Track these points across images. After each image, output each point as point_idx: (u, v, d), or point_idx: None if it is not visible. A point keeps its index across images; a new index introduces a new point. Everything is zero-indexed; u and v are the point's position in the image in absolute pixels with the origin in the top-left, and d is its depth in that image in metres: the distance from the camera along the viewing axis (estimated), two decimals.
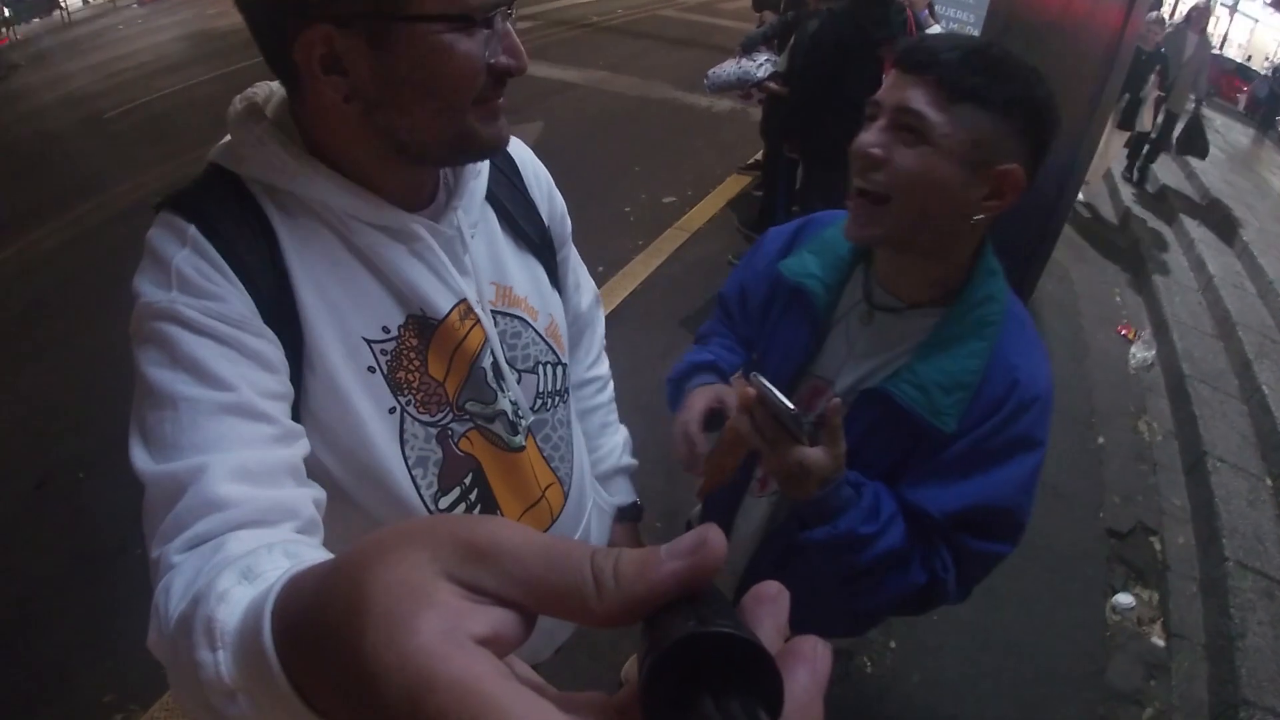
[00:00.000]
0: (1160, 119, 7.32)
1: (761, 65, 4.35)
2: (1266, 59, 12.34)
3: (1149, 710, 2.55)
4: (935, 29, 3.94)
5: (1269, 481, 3.54)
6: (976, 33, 3.42)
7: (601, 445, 1.34)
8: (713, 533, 0.28)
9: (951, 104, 1.02)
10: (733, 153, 6.40)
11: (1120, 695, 2.58)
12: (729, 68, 4.43)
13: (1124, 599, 2.92)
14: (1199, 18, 7.47)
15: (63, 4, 14.27)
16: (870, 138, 1.08)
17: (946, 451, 1.13)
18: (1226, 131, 11.13)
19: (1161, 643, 2.80)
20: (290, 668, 0.34)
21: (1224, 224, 6.60)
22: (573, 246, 1.21)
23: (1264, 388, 4.10)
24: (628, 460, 1.39)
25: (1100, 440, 3.81)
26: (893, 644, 2.63)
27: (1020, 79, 1.03)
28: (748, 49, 4.47)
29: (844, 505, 1.10)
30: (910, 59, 1.06)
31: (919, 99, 1.03)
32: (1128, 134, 6.93)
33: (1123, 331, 4.84)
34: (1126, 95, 6.35)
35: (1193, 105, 7.57)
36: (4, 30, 12.91)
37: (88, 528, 2.94)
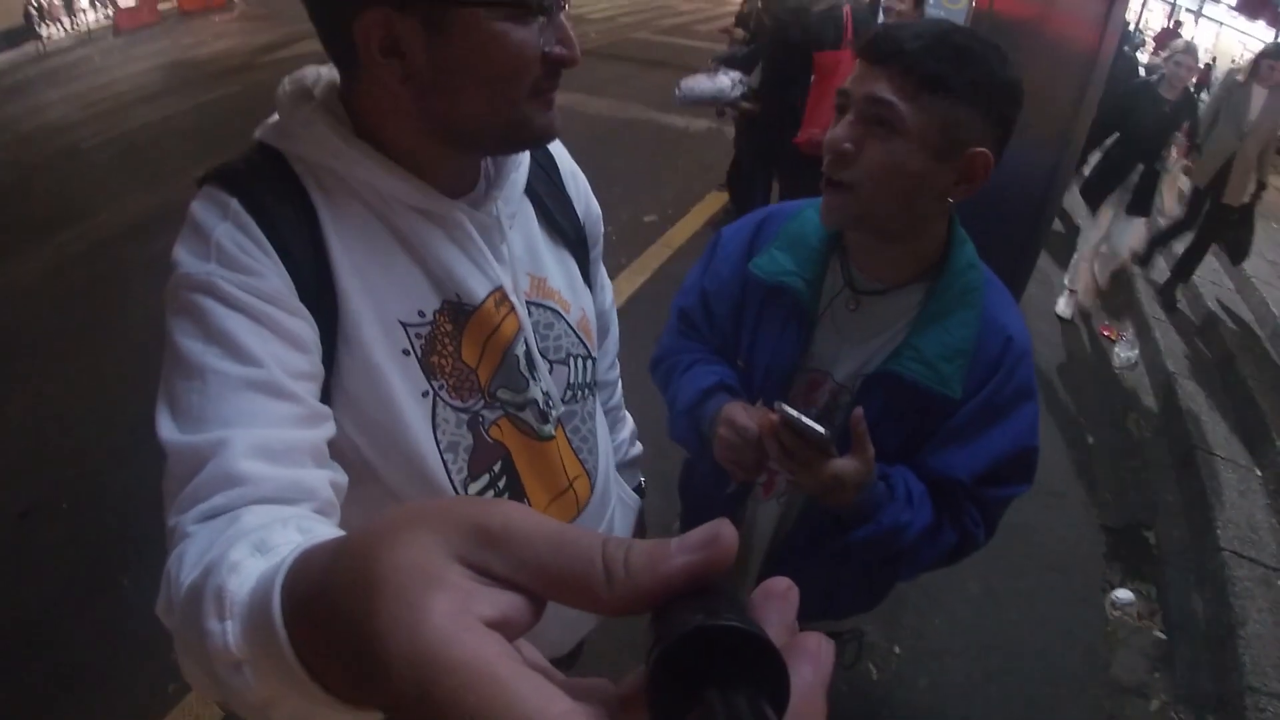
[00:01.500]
0: (1188, 199, 5.27)
1: (735, 86, 4.40)
2: (1232, 60, 12.60)
3: (1155, 703, 2.56)
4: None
5: (1259, 472, 3.58)
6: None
7: (618, 436, 1.37)
8: (724, 528, 0.29)
9: (919, 92, 1.03)
10: (711, 171, 6.41)
11: (1126, 689, 2.59)
12: (703, 82, 4.45)
13: (1123, 594, 2.94)
14: (1273, 68, 4.75)
15: (40, 34, 14.20)
16: (841, 132, 1.09)
17: (957, 416, 1.17)
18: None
19: (1163, 635, 2.81)
20: (298, 642, 0.35)
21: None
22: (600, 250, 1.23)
23: (1248, 380, 4.16)
24: (639, 449, 1.43)
25: (1090, 440, 3.84)
26: (897, 649, 2.61)
27: (984, 61, 1.04)
28: (721, 65, 4.51)
29: (880, 501, 1.15)
30: (875, 49, 1.06)
31: (886, 89, 1.04)
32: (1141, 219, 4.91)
33: (1105, 333, 4.89)
34: (1140, 167, 4.60)
35: (1251, 193, 4.92)
36: None
37: (73, 557, 2.88)
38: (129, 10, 15.35)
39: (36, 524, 3.12)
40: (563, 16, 0.80)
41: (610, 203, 5.32)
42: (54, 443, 3.56)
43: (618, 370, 1.39)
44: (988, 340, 1.16)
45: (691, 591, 0.28)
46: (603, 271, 1.28)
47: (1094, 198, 4.86)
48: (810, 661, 0.28)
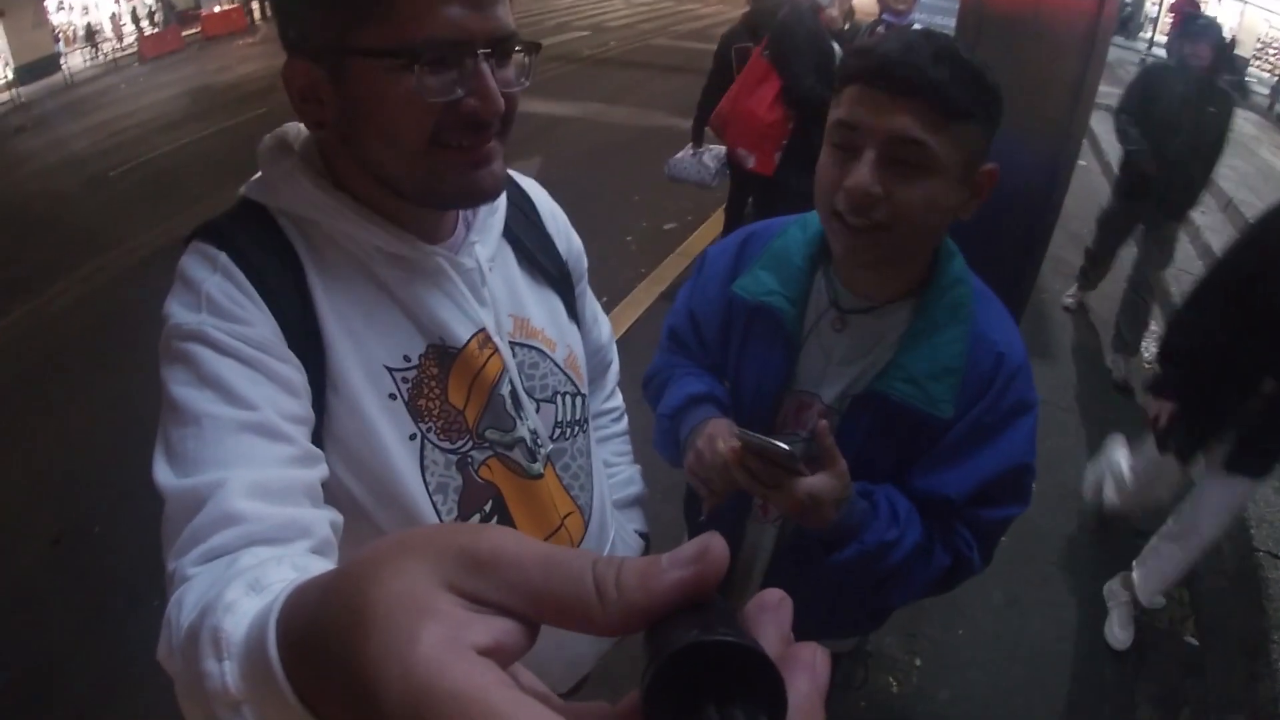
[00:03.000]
0: None
1: (718, 175, 4.52)
2: (1258, 40, 12.27)
3: (1186, 710, 2.50)
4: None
5: None
6: (951, 22, 3.37)
7: (617, 474, 1.35)
8: (715, 541, 0.28)
9: (948, 124, 0.98)
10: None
11: (1155, 698, 2.53)
12: (687, 164, 4.58)
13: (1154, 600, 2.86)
14: None
15: (65, 65, 14.53)
16: (865, 177, 1.01)
17: (948, 435, 1.13)
18: None
19: (1195, 641, 2.74)
20: (295, 678, 0.34)
21: (1229, 208, 6.55)
22: (587, 284, 1.23)
23: None
24: (641, 489, 1.39)
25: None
26: (918, 662, 2.58)
27: (990, 80, 1.00)
28: (698, 139, 4.58)
29: (863, 519, 1.11)
30: (893, 79, 0.98)
31: (915, 126, 0.98)
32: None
33: None
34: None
35: None
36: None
37: (104, 582, 2.96)
38: (153, 37, 15.70)
39: (68, 549, 3.21)
40: (483, 66, 0.77)
41: (631, 210, 5.41)
42: (83, 469, 3.64)
43: (619, 399, 1.39)
44: (978, 357, 1.12)
45: (685, 607, 0.28)
46: (595, 306, 1.28)
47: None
48: (806, 672, 0.28)
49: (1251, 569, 2.87)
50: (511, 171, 1.09)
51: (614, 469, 1.34)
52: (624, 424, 1.39)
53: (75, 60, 14.94)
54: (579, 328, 1.15)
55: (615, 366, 1.37)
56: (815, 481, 1.04)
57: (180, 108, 10.60)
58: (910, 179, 1.00)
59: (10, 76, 13.69)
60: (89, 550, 3.18)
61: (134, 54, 15.47)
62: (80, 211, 7.14)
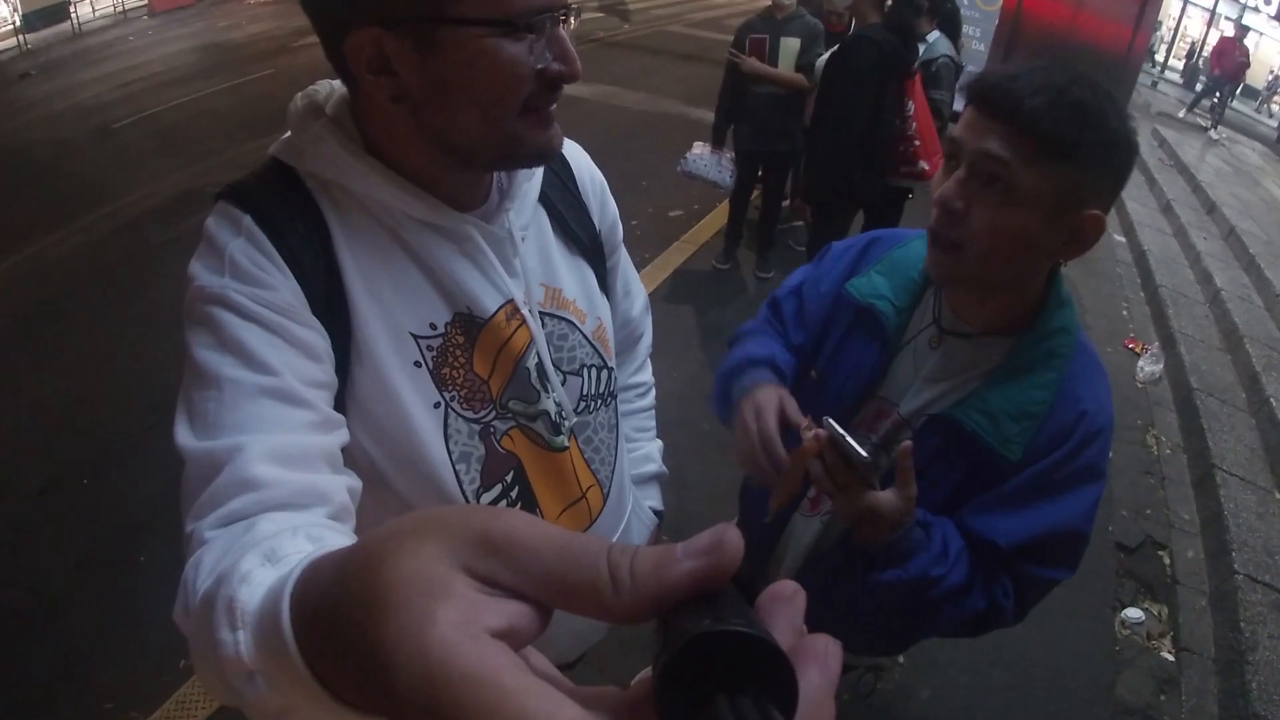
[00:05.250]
0: None
1: (731, 177, 4.55)
2: (1270, 72, 12.32)
3: None
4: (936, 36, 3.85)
5: (1278, 494, 3.52)
6: (984, 47, 3.37)
7: (637, 449, 1.34)
8: (730, 532, 0.28)
9: (1037, 155, 0.98)
10: None
11: (1130, 710, 2.56)
12: (705, 163, 4.56)
13: (1133, 613, 2.90)
14: None
15: (74, 14, 14.36)
16: (951, 190, 1.04)
17: (1012, 480, 1.12)
18: (1231, 144, 11.15)
19: (1171, 657, 2.77)
20: (307, 651, 0.35)
21: (1231, 237, 6.59)
22: (624, 252, 1.22)
23: (1272, 400, 4.08)
24: (659, 468, 1.38)
25: (1109, 454, 3.78)
26: (901, 659, 2.59)
27: (1102, 119, 0.98)
28: (719, 140, 4.56)
29: (915, 548, 1.09)
30: (991, 101, 1.00)
31: (1001, 147, 0.99)
32: None
33: (1130, 345, 4.82)
34: None
35: None
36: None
37: (91, 534, 2.95)
38: None
39: (57, 500, 3.19)
40: (562, 31, 0.79)
41: (638, 195, 5.39)
42: (75, 420, 3.62)
43: (648, 374, 1.38)
44: (1061, 410, 1.10)
45: (698, 596, 0.28)
46: (630, 276, 1.27)
47: None
48: (818, 664, 0.28)
49: (1230, 590, 2.91)
50: None
51: (634, 444, 1.34)
52: (650, 399, 1.38)
53: (84, 10, 14.75)
54: (609, 299, 1.15)
55: (647, 340, 1.35)
56: (883, 498, 1.04)
57: (189, 62, 10.49)
58: (992, 201, 1.01)
59: (19, 22, 13.51)
60: (77, 502, 3.15)
61: (144, 6, 15.30)
62: (83, 161, 7.07)
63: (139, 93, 9.14)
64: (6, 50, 12.83)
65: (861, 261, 1.31)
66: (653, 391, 1.39)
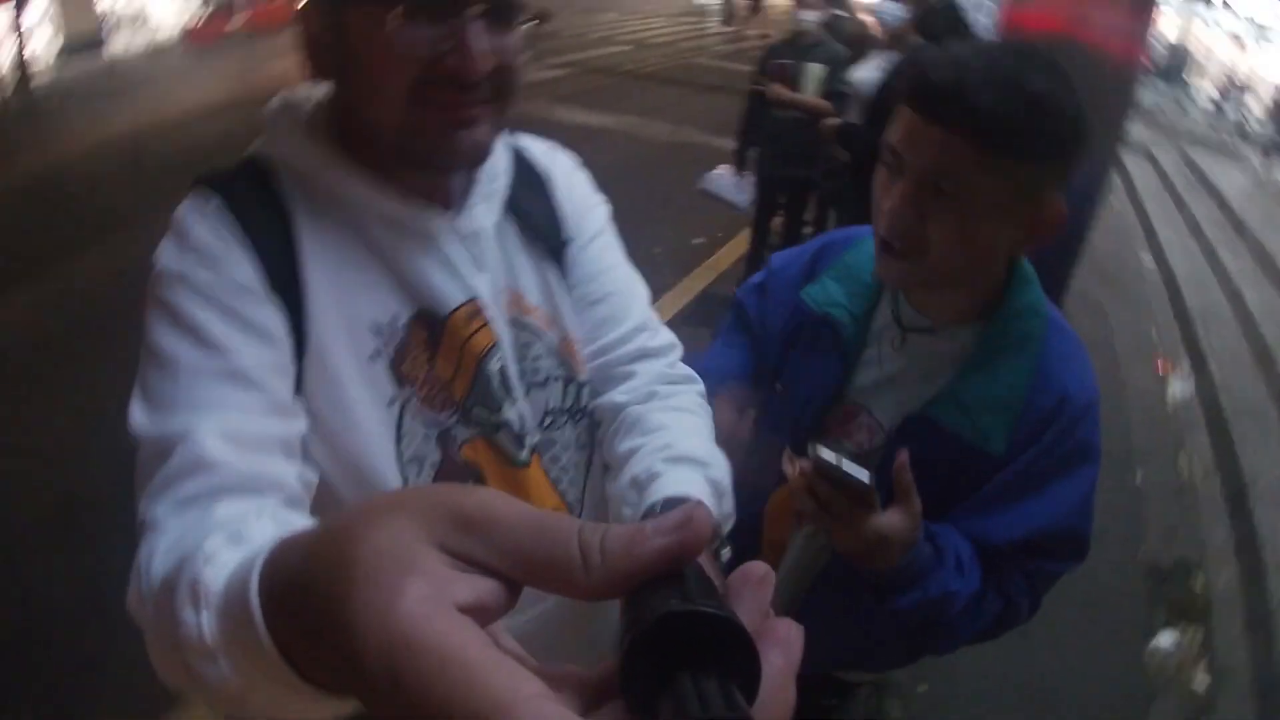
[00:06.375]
0: None
1: (751, 201, 4.58)
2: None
3: None
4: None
5: None
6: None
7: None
8: (698, 510, 0.29)
9: (994, 158, 0.92)
10: None
11: None
12: (725, 183, 4.61)
13: (1165, 640, 2.84)
14: None
15: (107, 46, 14.68)
16: (898, 204, 0.97)
17: (1000, 475, 1.07)
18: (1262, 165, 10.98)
19: (1205, 685, 2.71)
20: (275, 630, 0.35)
21: (1261, 256, 6.49)
22: (624, 279, 1.11)
23: None
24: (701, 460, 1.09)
25: (1139, 477, 3.74)
26: (922, 688, 2.55)
27: (1054, 103, 0.91)
28: (741, 162, 4.60)
29: (928, 566, 1.03)
30: (934, 106, 0.93)
31: (953, 161, 0.92)
32: None
33: (1160, 366, 4.76)
34: None
35: None
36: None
37: (96, 557, 2.93)
38: (199, 26, 15.87)
39: (78, 514, 3.20)
40: (475, 27, 0.75)
41: (660, 223, 5.40)
42: (99, 436, 3.63)
43: (673, 357, 1.14)
44: (1040, 395, 1.04)
45: (666, 576, 0.28)
46: (636, 310, 1.10)
47: None
48: (781, 647, 0.29)
49: (1267, 614, 2.85)
50: (539, 142, 1.08)
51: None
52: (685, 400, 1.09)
53: (119, 42, 15.10)
54: (585, 313, 1.04)
55: (661, 364, 1.10)
56: (888, 521, 0.97)
57: (220, 97, 10.69)
58: (947, 210, 0.96)
59: (56, 53, 13.84)
60: (98, 517, 3.10)
61: (178, 40, 15.65)
62: (112, 191, 7.19)
63: (170, 125, 9.32)
64: (42, 82, 13.13)
65: (814, 267, 1.27)
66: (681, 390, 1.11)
